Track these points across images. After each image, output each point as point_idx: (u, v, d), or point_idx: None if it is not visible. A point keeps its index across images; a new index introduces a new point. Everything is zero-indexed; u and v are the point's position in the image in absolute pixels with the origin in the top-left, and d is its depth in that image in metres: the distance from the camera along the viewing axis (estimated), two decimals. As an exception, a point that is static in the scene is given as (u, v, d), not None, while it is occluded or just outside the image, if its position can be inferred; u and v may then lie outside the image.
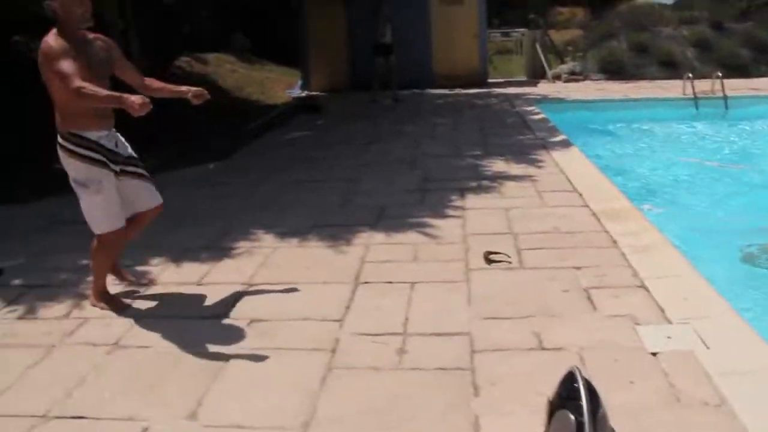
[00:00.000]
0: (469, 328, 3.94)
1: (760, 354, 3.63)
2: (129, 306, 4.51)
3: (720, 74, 13.70)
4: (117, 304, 4.49)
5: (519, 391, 3.28)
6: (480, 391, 3.28)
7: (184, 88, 4.49)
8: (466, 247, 5.34)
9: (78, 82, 3.78)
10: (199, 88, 4.42)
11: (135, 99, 3.66)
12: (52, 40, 3.97)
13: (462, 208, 6.45)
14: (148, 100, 3.69)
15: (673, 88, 14.80)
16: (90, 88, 3.80)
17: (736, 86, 14.44)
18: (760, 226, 6.53)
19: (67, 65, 3.82)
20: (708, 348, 3.64)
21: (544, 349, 3.70)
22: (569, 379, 2.86)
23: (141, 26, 10.58)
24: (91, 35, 4.21)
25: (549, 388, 3.12)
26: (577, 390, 2.76)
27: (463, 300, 4.36)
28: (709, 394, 3.22)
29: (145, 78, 4.49)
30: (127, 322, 4.26)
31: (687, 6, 23.25)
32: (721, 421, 3.02)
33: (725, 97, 13.41)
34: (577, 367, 2.91)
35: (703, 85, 13.74)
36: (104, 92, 3.87)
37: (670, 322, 3.98)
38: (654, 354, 3.61)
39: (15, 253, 5.69)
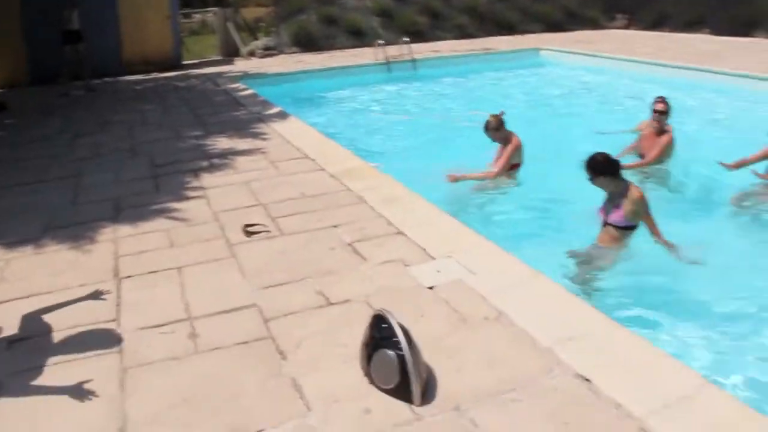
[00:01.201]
0: (254, 300, 3.91)
1: (517, 269, 4.13)
2: None
3: (408, 39, 14.86)
4: None
5: (324, 346, 3.36)
6: (288, 356, 3.30)
7: None
8: (220, 225, 5.25)
9: None
10: None
11: None
12: None
13: (202, 188, 6.29)
14: None
15: (364, 55, 15.72)
16: None
17: (420, 49, 15.76)
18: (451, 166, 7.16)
19: None
20: (474, 274, 4.05)
21: (332, 304, 3.81)
22: (379, 321, 3.00)
23: None
24: None
25: (352, 337, 3.26)
26: (391, 328, 2.90)
27: (237, 275, 4.31)
28: (488, 310, 3.61)
29: None
30: None
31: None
32: (503, 329, 3.44)
33: (414, 60, 14.60)
34: (384, 310, 3.06)
35: (392, 51, 14.75)
36: None
37: (434, 259, 4.32)
38: (431, 288, 3.91)
39: None
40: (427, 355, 3.08)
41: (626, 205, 4.86)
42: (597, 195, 5.19)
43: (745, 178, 6.28)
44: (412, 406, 2.85)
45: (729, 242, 5.55)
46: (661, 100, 7.14)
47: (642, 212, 4.86)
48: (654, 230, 4.88)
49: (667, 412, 2.79)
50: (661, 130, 7.05)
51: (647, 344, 3.35)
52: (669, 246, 4.83)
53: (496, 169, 6.66)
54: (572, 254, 5.05)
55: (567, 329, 3.42)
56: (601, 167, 4.87)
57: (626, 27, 21.08)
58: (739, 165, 6.38)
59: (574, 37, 19.22)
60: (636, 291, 4.73)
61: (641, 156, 7.15)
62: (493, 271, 4.09)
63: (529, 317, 3.52)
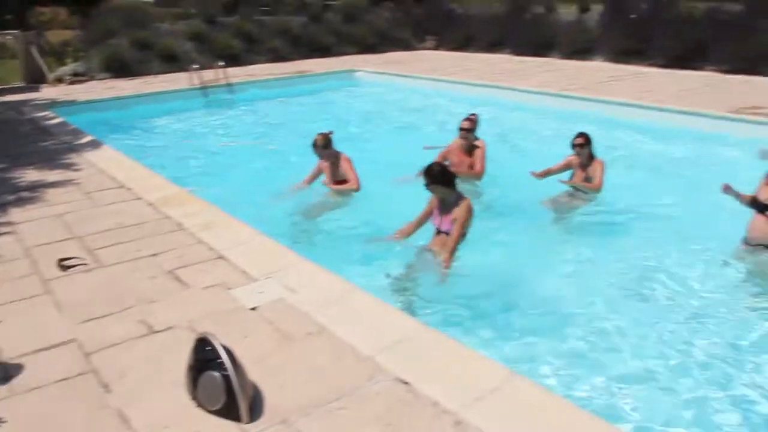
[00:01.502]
0: (73, 335, 3.81)
1: (337, 285, 4.33)
2: None
3: (224, 63, 14.82)
4: None
5: (149, 374, 3.36)
6: (112, 387, 3.27)
7: None
8: (33, 261, 5.02)
9: None
10: None
11: None
12: None
13: (10, 224, 5.96)
14: None
15: (179, 80, 15.42)
16: None
17: (236, 74, 15.74)
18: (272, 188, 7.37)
19: None
20: (295, 292, 4.20)
21: (156, 332, 3.80)
22: (203, 345, 3.05)
23: None
24: None
25: (177, 363, 3.28)
26: (215, 350, 2.97)
27: (53, 311, 4.16)
28: (310, 326, 3.78)
29: None
30: None
31: (171, 3, 24.16)
32: (326, 342, 3.62)
33: (229, 84, 14.58)
34: (207, 333, 3.12)
35: (207, 75, 14.63)
36: None
37: (256, 280, 4.42)
38: (254, 309, 4.01)
39: None
40: (253, 374, 3.18)
41: (455, 214, 5.23)
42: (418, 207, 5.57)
43: (550, 186, 6.86)
44: (241, 424, 2.93)
45: (535, 244, 6.07)
46: (468, 117, 7.63)
47: (461, 220, 5.19)
48: (454, 240, 5.21)
49: (478, 404, 3.07)
50: (471, 146, 7.51)
51: (460, 346, 3.65)
52: (445, 261, 5.16)
53: (355, 185, 6.83)
54: (406, 265, 5.29)
55: (386, 338, 3.65)
56: (438, 176, 5.24)
57: (435, 48, 22.22)
58: (545, 174, 6.98)
59: (386, 57, 19.99)
60: (452, 296, 5.05)
61: None
62: (313, 289, 4.25)
63: (350, 330, 3.71)
